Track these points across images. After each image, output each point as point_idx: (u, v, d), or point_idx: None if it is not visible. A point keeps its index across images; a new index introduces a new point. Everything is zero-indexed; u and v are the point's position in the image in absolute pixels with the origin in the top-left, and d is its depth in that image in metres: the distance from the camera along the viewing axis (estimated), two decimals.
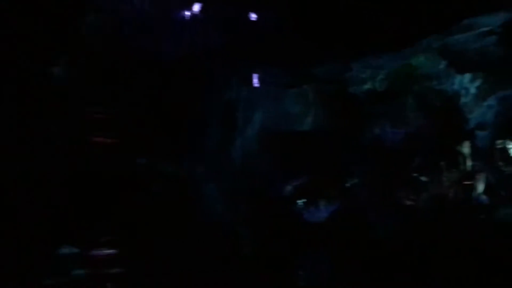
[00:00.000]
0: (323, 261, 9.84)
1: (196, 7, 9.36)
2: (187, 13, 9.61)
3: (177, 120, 9.92)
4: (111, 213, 8.98)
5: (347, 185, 14.13)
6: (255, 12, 9.61)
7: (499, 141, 13.68)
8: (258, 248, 9.54)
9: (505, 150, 13.69)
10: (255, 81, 10.50)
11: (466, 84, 12.59)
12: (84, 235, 8.57)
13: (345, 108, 14.11)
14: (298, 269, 9.78)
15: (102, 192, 8.89)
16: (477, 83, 12.55)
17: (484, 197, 13.43)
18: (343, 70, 12.08)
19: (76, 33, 8.76)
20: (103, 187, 8.94)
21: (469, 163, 13.75)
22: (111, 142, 9.06)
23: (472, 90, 12.64)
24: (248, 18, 10.03)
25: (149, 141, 9.55)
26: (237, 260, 9.35)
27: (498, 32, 10.42)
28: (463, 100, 12.95)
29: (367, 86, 13.37)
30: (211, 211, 9.69)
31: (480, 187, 13.49)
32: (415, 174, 13.78)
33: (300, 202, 13.35)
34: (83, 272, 8.08)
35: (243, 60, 9.67)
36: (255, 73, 10.22)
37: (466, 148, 13.71)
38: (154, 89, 9.57)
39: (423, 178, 13.61)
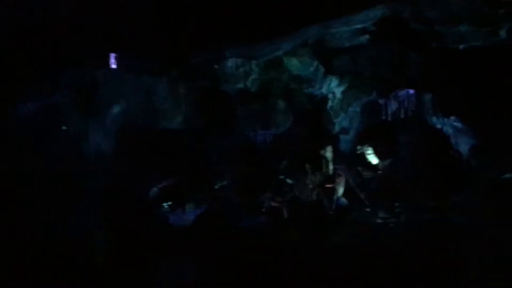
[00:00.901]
0: (187, 265, 9.14)
1: None
2: None
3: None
4: None
5: (216, 187, 13.76)
6: None
7: (359, 147, 14.36)
8: (114, 254, 8.37)
9: (365, 155, 14.45)
10: (113, 62, 9.09)
11: (334, 88, 12.70)
12: None
13: (217, 107, 13.59)
14: (161, 274, 8.65)
15: None
16: (343, 87, 12.70)
17: (343, 199, 13.85)
18: (217, 59, 11.30)
19: None
20: None
21: (331, 166, 14.14)
22: None
23: (338, 94, 12.85)
24: None
25: None
26: (90, 269, 8.09)
27: (371, 31, 9.65)
28: (330, 104, 13.08)
29: (240, 85, 12.98)
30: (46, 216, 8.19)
31: (341, 190, 13.90)
32: (282, 177, 13.89)
33: (165, 204, 12.68)
34: None
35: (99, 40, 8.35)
36: (117, 55, 8.86)
37: (329, 152, 14.02)
38: None
39: (289, 181, 13.80)
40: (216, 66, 11.76)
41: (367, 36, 9.77)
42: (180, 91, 12.54)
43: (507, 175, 9.00)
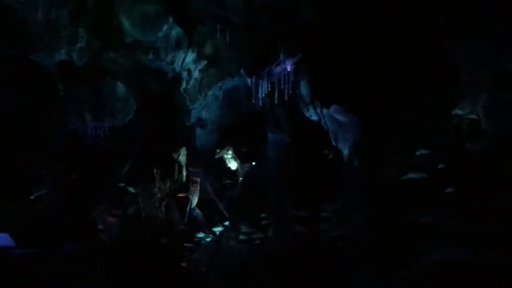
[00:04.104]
0: None
1: None
2: None
3: None
4: None
5: (32, 197, 11.05)
6: None
7: (218, 150, 12.48)
8: None
9: (225, 158, 12.76)
10: None
11: (189, 64, 9.94)
12: None
13: (28, 85, 10.44)
14: None
15: None
16: (202, 64, 9.94)
17: (198, 211, 12.67)
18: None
19: None
20: None
21: (185, 171, 12.75)
22: None
23: (196, 73, 10.11)
24: None
25: None
26: None
27: None
28: (184, 86, 10.31)
29: (61, 55, 9.58)
30: None
31: (195, 200, 12.74)
32: (122, 184, 12.01)
33: None
34: None
35: None
36: None
37: (183, 153, 12.54)
38: None
39: (132, 189, 12.00)
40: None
41: None
42: None
43: (409, 176, 7.31)
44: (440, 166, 7.15)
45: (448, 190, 6.86)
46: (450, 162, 6.99)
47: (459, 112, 6.89)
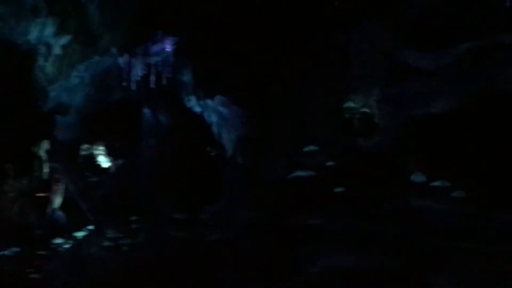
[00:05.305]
0: None
1: None
2: None
3: None
4: None
5: None
6: None
7: (86, 145, 11.33)
8: None
9: (94, 154, 11.57)
10: None
11: (48, 37, 8.49)
12: None
13: None
14: None
15: None
16: (66, 38, 8.56)
17: (60, 213, 11.27)
18: None
19: None
20: None
21: (46, 168, 11.21)
22: None
23: (57, 49, 8.69)
24: None
25: None
26: None
27: None
28: (41, 63, 8.95)
29: None
30: None
31: (57, 200, 11.31)
32: None
33: None
34: None
35: None
36: None
37: (43, 147, 10.97)
38: None
39: None
40: None
41: None
42: None
43: (296, 174, 6.92)
44: (330, 163, 6.89)
45: (338, 189, 6.54)
46: (340, 159, 6.69)
47: (351, 105, 6.58)
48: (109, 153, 11.33)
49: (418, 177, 6.35)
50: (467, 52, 6.03)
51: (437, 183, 6.15)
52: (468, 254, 5.51)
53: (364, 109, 6.48)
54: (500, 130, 5.78)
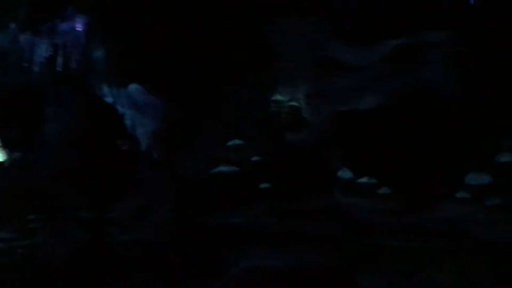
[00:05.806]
0: None
1: None
2: None
3: None
4: None
5: None
6: None
7: None
8: None
9: None
10: None
11: None
12: None
13: None
14: None
15: None
16: None
17: None
18: None
19: None
20: None
21: None
22: None
23: None
24: None
25: None
26: None
27: None
28: None
29: None
30: None
31: None
32: None
33: None
34: None
35: None
36: None
37: None
38: None
39: None
40: None
41: None
42: None
43: (219, 169, 6.63)
44: (255, 158, 6.64)
45: (263, 186, 6.30)
46: (266, 154, 6.47)
47: (279, 98, 6.38)
48: (4, 145, 10.52)
49: (345, 174, 6.36)
50: (395, 48, 6.13)
51: (363, 180, 6.19)
52: (394, 252, 5.56)
53: (292, 103, 6.36)
54: (426, 127, 5.94)
